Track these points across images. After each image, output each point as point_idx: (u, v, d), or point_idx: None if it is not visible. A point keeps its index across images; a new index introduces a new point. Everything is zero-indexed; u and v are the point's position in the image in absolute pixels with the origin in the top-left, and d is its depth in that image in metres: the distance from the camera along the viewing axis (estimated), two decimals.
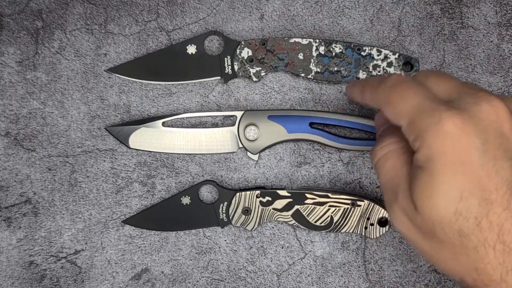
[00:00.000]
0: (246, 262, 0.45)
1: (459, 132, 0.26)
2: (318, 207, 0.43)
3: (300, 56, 0.44)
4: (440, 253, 0.29)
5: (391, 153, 0.31)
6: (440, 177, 0.26)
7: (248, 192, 0.43)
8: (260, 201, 0.43)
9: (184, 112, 0.45)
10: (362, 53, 0.43)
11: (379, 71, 0.44)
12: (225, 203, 0.44)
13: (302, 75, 0.44)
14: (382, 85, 0.31)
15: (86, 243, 0.45)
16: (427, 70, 0.38)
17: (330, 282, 0.45)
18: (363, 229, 0.43)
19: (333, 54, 0.44)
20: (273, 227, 0.45)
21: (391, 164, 0.31)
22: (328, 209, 0.43)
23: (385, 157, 0.31)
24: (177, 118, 0.45)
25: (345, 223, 0.43)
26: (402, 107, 0.29)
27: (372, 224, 0.43)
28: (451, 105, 0.27)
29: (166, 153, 0.45)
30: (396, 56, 0.43)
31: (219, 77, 0.45)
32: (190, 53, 0.45)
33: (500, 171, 0.26)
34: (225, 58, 0.45)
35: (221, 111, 0.45)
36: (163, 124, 0.45)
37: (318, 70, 0.44)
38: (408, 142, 0.29)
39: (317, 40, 0.44)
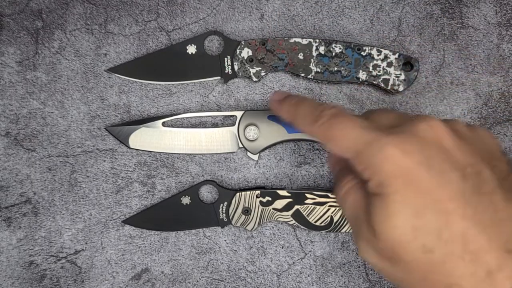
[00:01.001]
0: (246, 262, 0.45)
1: (402, 153, 0.27)
2: (318, 207, 0.43)
3: (300, 56, 0.44)
4: (410, 276, 0.28)
5: (351, 189, 0.32)
6: (393, 198, 0.27)
7: (248, 192, 0.43)
8: (260, 201, 0.43)
9: (184, 112, 0.45)
10: (362, 53, 0.43)
11: (379, 71, 0.44)
12: (225, 203, 0.44)
13: (302, 75, 0.44)
14: (318, 121, 0.31)
15: (86, 243, 0.45)
16: (374, 109, 0.39)
17: (330, 282, 0.45)
18: None
19: (333, 54, 0.44)
20: (273, 227, 0.45)
21: (352, 199, 0.31)
22: (328, 209, 0.43)
23: (346, 194, 0.32)
24: (177, 118, 0.45)
25: (345, 223, 0.43)
26: (343, 142, 0.29)
27: None
28: (391, 130, 0.28)
29: (166, 153, 0.45)
30: (396, 56, 0.43)
31: (219, 77, 0.45)
32: (190, 53, 0.45)
33: (450, 183, 0.27)
34: (225, 58, 0.45)
35: (221, 111, 0.45)
36: (163, 124, 0.45)
37: (318, 70, 0.44)
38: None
39: (317, 40, 0.44)
